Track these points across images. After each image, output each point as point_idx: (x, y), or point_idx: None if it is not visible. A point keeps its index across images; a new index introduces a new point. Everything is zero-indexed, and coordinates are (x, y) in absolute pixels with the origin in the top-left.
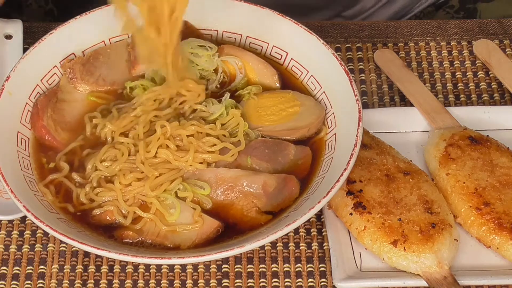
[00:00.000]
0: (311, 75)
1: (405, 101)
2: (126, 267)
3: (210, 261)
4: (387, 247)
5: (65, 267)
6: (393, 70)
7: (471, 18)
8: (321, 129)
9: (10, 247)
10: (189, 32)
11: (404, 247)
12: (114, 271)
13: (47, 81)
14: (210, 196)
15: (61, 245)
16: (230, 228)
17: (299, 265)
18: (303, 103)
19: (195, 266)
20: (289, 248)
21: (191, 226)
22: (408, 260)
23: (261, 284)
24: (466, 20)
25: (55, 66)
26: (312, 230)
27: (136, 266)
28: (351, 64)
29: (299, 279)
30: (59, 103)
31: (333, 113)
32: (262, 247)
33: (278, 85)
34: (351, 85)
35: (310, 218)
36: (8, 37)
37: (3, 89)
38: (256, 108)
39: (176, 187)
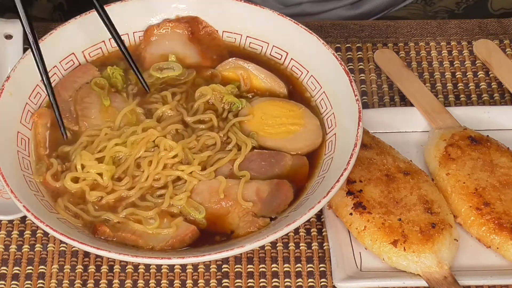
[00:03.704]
0: (311, 75)
1: (405, 101)
2: (126, 267)
3: (210, 261)
4: (387, 247)
5: (65, 267)
6: (393, 70)
7: (483, 5)
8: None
9: (10, 247)
10: (211, 39)
11: (404, 247)
12: (114, 271)
13: None
14: (205, 207)
15: (61, 245)
16: (228, 236)
17: (299, 265)
18: (305, 124)
19: (195, 266)
20: (289, 248)
21: (166, 229)
22: (408, 260)
23: (261, 284)
24: (466, 20)
25: (55, 66)
26: (312, 230)
27: (136, 266)
28: (351, 64)
29: (299, 279)
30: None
31: (333, 113)
32: (262, 247)
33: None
34: (351, 85)
35: (310, 218)
36: (8, 37)
37: (3, 89)
38: (263, 112)
39: (181, 202)
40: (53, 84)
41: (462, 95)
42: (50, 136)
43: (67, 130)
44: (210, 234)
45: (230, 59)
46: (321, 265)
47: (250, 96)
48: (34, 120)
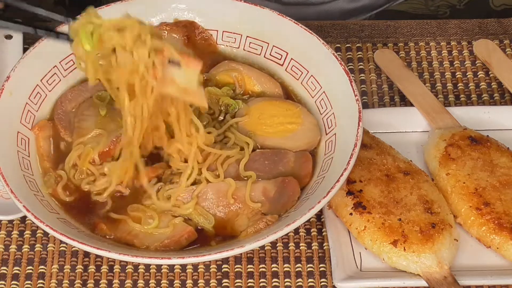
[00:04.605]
0: (311, 75)
1: (405, 101)
2: (126, 267)
3: (210, 261)
4: (387, 247)
5: (65, 267)
6: (393, 70)
7: (484, 1)
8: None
9: (10, 247)
10: (207, 44)
11: (404, 247)
12: (114, 271)
13: (47, 81)
14: (213, 213)
15: (61, 245)
16: (230, 236)
17: (299, 265)
18: (303, 122)
19: (195, 266)
20: (289, 248)
21: (162, 229)
22: (408, 260)
23: (261, 284)
24: (466, 20)
25: (55, 66)
26: (312, 230)
27: (136, 266)
28: (351, 64)
29: (299, 279)
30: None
31: (333, 113)
32: (262, 247)
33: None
34: (351, 85)
35: (310, 218)
36: (8, 37)
37: (3, 89)
38: (260, 112)
39: (189, 211)
40: (55, 93)
41: (462, 95)
42: (52, 148)
43: (64, 140)
44: (211, 236)
45: (223, 62)
46: (321, 265)
47: (246, 98)
48: (35, 133)
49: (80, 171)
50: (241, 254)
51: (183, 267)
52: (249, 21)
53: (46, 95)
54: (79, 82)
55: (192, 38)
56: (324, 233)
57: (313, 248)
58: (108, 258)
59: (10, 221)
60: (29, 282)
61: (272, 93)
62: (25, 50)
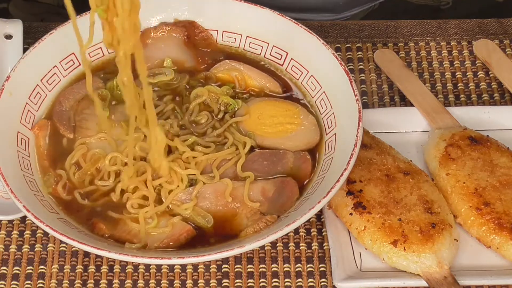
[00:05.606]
0: (311, 75)
1: (405, 101)
2: (126, 267)
3: (210, 261)
4: (387, 247)
5: (65, 267)
6: (393, 70)
7: None
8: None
9: (10, 247)
10: (207, 44)
11: (404, 247)
12: (114, 271)
13: (47, 81)
14: (211, 212)
15: (61, 245)
16: (230, 236)
17: (299, 265)
18: (302, 123)
19: (195, 266)
20: (289, 248)
21: (161, 229)
22: (408, 260)
23: (261, 284)
24: (466, 20)
25: (55, 66)
26: (312, 230)
27: (136, 266)
28: (351, 64)
29: (299, 279)
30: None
31: (333, 113)
32: (262, 247)
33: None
34: (351, 85)
35: (310, 218)
36: (8, 37)
37: (3, 89)
38: (260, 112)
39: (188, 212)
40: (55, 93)
41: (462, 95)
42: (51, 148)
43: (64, 139)
44: (210, 234)
45: (223, 61)
46: (321, 265)
47: (246, 97)
48: (35, 133)
49: (84, 172)
50: (241, 254)
51: (183, 267)
52: (249, 21)
53: (46, 95)
54: (78, 81)
55: (192, 38)
56: (324, 233)
57: (313, 248)
58: (108, 258)
59: (10, 221)
60: (29, 282)
61: (272, 93)
62: (25, 50)
